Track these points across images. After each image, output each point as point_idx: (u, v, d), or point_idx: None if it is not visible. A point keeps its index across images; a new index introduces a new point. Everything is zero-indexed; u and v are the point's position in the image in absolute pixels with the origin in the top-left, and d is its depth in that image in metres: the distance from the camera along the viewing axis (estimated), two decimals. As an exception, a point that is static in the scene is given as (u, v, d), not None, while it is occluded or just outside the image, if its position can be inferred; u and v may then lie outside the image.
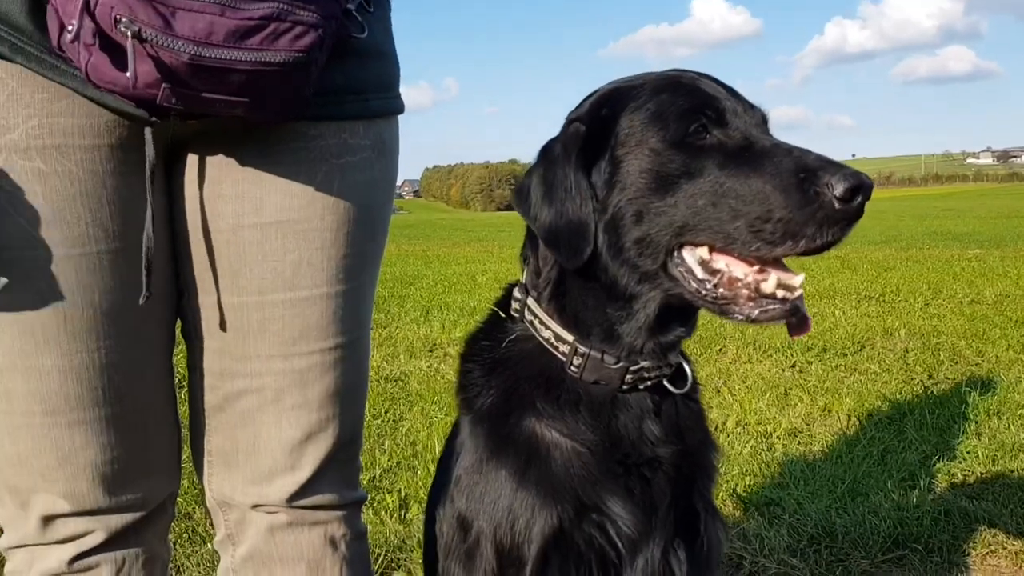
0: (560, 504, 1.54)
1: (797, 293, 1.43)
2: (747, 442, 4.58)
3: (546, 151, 1.59)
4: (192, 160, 1.55)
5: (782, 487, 3.90)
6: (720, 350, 7.01)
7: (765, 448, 4.52)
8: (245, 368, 1.63)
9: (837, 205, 1.32)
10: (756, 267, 1.44)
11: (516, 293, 1.70)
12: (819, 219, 1.33)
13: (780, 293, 1.42)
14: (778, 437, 4.70)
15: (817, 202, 1.33)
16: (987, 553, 3.26)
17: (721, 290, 1.45)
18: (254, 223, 1.55)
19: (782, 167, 1.38)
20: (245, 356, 1.62)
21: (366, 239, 1.66)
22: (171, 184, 1.58)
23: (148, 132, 1.40)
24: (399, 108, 1.71)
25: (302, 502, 1.68)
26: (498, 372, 1.66)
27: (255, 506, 1.70)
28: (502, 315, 1.72)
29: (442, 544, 1.69)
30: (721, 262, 1.45)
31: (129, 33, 1.18)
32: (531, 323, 1.64)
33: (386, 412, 5.25)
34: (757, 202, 1.38)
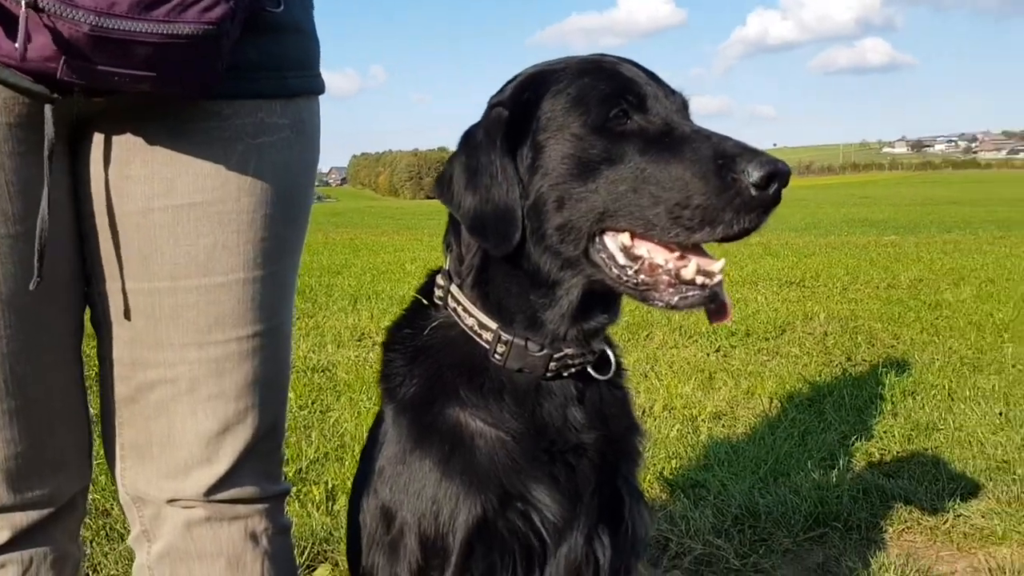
0: (484, 493, 1.52)
1: (716, 279, 1.43)
2: (673, 426, 4.64)
3: (468, 137, 1.56)
4: (98, 139, 1.47)
5: (707, 469, 3.96)
6: (647, 336, 7.09)
7: (691, 431, 4.59)
8: (158, 357, 1.56)
9: (753, 192, 1.32)
10: (677, 253, 1.44)
11: (439, 280, 1.67)
12: (736, 206, 1.33)
13: (699, 279, 1.42)
14: (703, 420, 4.78)
15: (734, 188, 1.33)
16: (903, 529, 3.36)
17: (642, 276, 1.45)
18: (165, 205, 1.48)
19: (701, 153, 1.38)
20: (158, 345, 1.56)
21: (286, 222, 1.60)
22: (77, 165, 1.50)
23: (48, 109, 1.32)
24: (319, 88, 1.66)
25: (220, 496, 1.63)
26: (420, 361, 1.64)
27: (171, 501, 1.64)
28: (425, 302, 1.69)
29: (366, 536, 1.66)
30: (642, 248, 1.45)
31: (23, 2, 1.11)
32: (454, 310, 1.62)
33: (313, 403, 5.17)
34: (676, 188, 1.38)
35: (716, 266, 1.44)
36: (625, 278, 1.45)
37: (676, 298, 1.43)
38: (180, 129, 1.46)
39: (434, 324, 1.65)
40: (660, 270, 1.44)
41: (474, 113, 1.61)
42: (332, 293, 10.19)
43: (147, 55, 1.22)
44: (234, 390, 1.59)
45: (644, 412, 4.95)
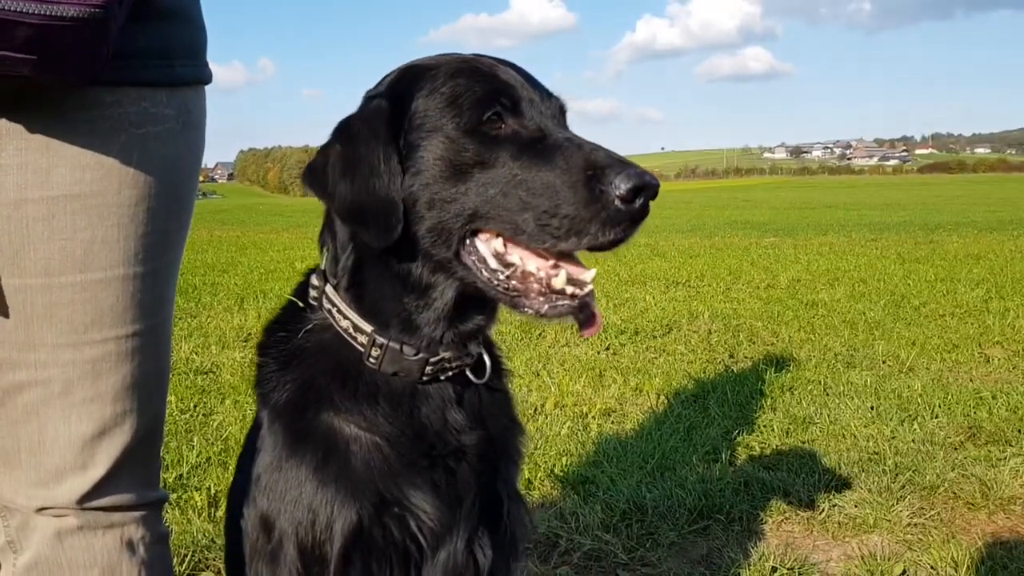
0: (360, 500, 1.50)
1: (587, 289, 1.44)
2: (564, 423, 4.69)
3: (345, 128, 1.51)
4: None
5: (596, 465, 4.03)
6: (540, 335, 7.15)
7: (581, 428, 4.66)
8: (28, 358, 1.48)
9: (621, 205, 1.34)
10: (551, 262, 1.45)
11: (314, 280, 1.63)
12: (602, 218, 1.34)
13: (570, 289, 1.43)
14: (593, 417, 4.86)
15: (602, 200, 1.34)
16: (782, 520, 3.50)
17: (514, 282, 1.45)
18: (40, 196, 1.41)
19: (572, 163, 1.39)
20: (29, 345, 1.47)
21: (169, 216, 1.54)
22: None
23: None
24: (207, 77, 1.61)
25: (95, 503, 1.55)
26: (294, 365, 1.60)
27: (40, 509, 1.55)
28: (300, 304, 1.66)
29: (248, 546, 1.62)
30: (515, 255, 1.45)
31: None
32: (329, 312, 1.58)
33: (195, 406, 5.01)
34: (546, 196, 1.38)
35: (587, 276, 1.45)
36: (496, 282, 1.45)
37: (546, 307, 1.43)
38: (58, 117, 1.39)
39: (308, 327, 1.61)
40: (532, 278, 1.44)
41: (365, 111, 1.57)
42: (217, 292, 9.92)
43: (28, 37, 1.15)
44: (111, 392, 1.52)
45: (536, 410, 5.00)
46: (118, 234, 1.46)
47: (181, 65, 1.51)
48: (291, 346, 1.62)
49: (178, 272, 1.66)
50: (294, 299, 1.67)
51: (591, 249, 1.39)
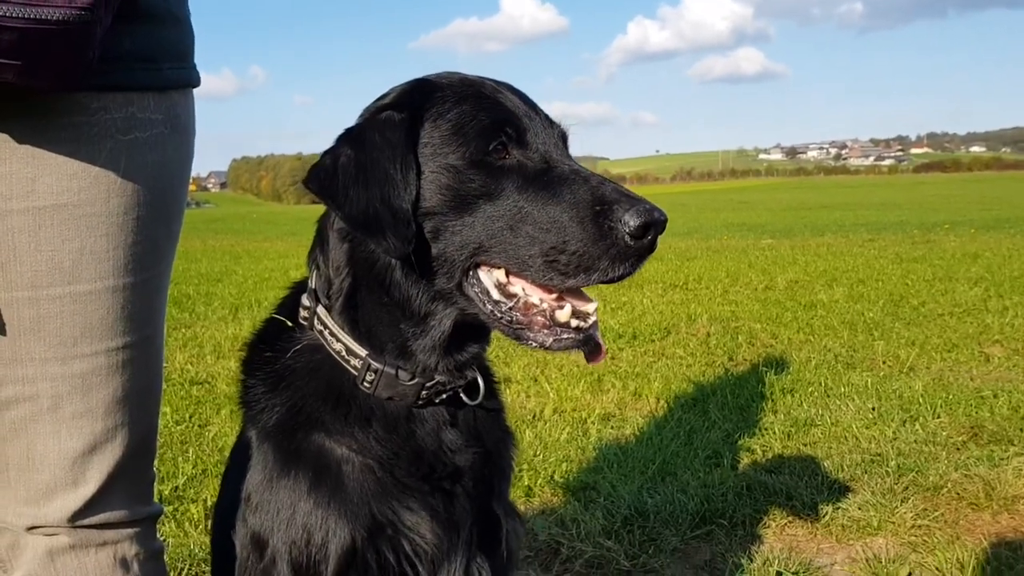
0: (352, 522, 1.47)
1: (591, 321, 1.43)
2: (564, 428, 4.66)
3: (357, 134, 1.47)
4: None
5: (597, 471, 4.00)
6: (536, 340, 7.11)
7: (581, 434, 4.63)
8: (15, 373, 1.44)
9: (630, 241, 1.32)
10: (554, 294, 1.43)
11: (304, 301, 1.60)
12: (612, 254, 1.34)
13: (574, 323, 1.42)
14: (592, 422, 4.82)
15: (611, 237, 1.33)
16: (785, 524, 3.47)
17: (517, 314, 1.43)
18: (25, 207, 1.37)
19: (579, 197, 1.37)
20: (16, 359, 1.44)
21: (159, 225, 1.51)
22: None
23: None
24: (195, 80, 1.57)
25: (87, 521, 1.52)
26: (283, 387, 1.57)
27: (31, 528, 1.52)
28: (288, 323, 1.62)
29: (238, 565, 1.59)
30: (518, 286, 1.43)
31: None
32: (321, 333, 1.55)
33: (191, 417, 4.97)
34: (554, 231, 1.37)
35: (590, 308, 1.44)
36: (499, 314, 1.43)
37: (551, 339, 1.42)
38: (43, 125, 1.35)
39: (298, 347, 1.59)
40: (535, 310, 1.43)
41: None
42: (211, 302, 9.88)
43: (11, 41, 1.12)
44: (102, 407, 1.48)
45: (535, 416, 4.97)
46: (107, 244, 1.43)
47: (168, 68, 1.47)
48: (279, 366, 1.59)
49: (169, 281, 1.62)
50: (279, 317, 1.64)
51: (600, 282, 1.37)
